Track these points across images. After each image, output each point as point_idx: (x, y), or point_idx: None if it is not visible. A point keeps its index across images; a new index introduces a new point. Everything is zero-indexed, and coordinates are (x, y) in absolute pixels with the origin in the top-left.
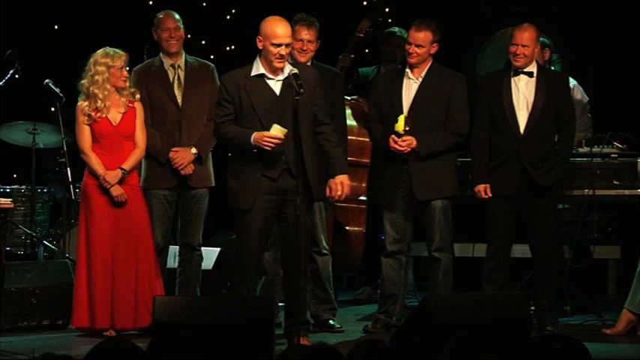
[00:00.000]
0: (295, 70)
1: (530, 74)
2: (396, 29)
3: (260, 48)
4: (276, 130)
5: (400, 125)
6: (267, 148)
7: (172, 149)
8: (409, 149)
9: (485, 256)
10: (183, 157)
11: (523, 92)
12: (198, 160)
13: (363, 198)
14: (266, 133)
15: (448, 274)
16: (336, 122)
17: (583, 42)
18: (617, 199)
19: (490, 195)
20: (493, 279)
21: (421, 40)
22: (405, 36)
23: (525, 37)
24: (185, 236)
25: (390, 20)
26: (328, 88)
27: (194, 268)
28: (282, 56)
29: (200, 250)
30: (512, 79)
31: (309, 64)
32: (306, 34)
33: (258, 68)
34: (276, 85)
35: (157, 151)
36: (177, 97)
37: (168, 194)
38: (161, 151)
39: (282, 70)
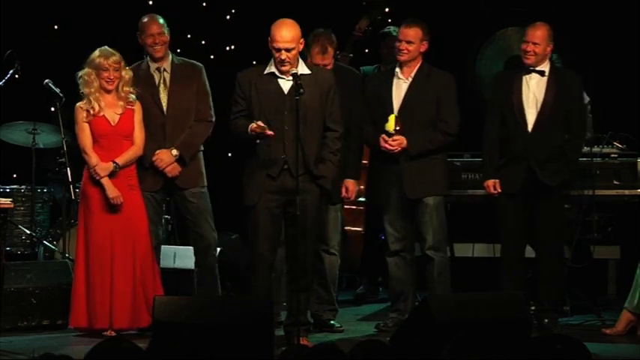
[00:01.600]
0: (295, 70)
1: (541, 73)
2: (391, 29)
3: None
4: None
5: (391, 125)
6: (254, 132)
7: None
8: (400, 149)
9: (500, 255)
10: (163, 158)
11: (533, 91)
12: (182, 162)
13: (361, 199)
14: (255, 123)
15: (443, 273)
16: (353, 124)
17: (583, 42)
18: (617, 199)
19: (499, 190)
20: (509, 278)
21: (411, 37)
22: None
23: (537, 35)
24: (196, 240)
25: (389, 20)
26: (347, 88)
27: (210, 272)
28: (282, 60)
29: (214, 251)
30: (523, 78)
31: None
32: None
33: (270, 67)
34: (285, 84)
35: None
36: (162, 102)
37: (156, 194)
38: (145, 154)
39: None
